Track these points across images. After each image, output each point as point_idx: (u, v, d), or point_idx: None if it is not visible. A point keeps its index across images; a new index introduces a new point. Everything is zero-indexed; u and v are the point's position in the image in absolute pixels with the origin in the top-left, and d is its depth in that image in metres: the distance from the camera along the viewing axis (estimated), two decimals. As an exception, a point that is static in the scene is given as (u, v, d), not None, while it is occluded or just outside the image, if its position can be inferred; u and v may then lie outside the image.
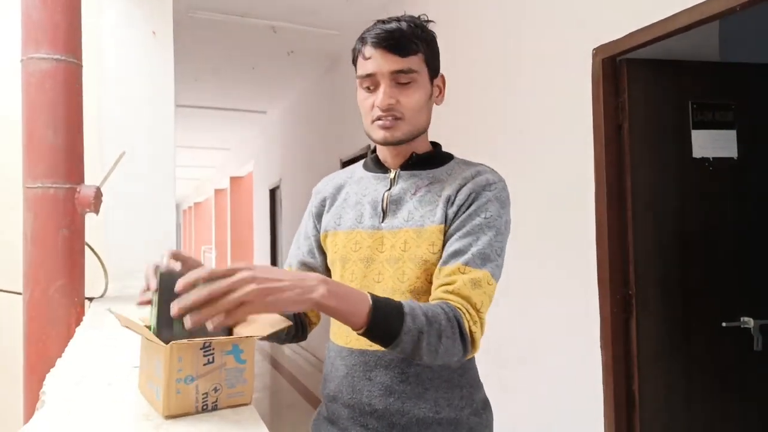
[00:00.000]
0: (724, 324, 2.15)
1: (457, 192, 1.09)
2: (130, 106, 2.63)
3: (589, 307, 2.24)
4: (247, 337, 0.72)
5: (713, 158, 2.22)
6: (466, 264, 1.00)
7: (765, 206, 2.26)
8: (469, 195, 1.07)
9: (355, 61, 1.14)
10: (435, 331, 0.91)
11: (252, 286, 0.72)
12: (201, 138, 9.98)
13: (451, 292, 0.98)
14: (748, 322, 2.14)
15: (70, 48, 1.44)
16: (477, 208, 1.05)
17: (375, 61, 1.07)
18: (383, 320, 0.88)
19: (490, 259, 1.02)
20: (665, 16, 1.90)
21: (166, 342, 0.67)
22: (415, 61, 1.09)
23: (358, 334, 0.89)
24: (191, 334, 0.71)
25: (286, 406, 5.02)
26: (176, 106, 2.87)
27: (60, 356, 1.01)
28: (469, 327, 0.97)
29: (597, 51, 2.21)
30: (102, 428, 0.65)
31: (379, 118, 1.09)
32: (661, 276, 2.16)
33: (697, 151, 2.21)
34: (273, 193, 8.51)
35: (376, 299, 0.88)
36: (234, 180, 13.04)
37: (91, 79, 2.16)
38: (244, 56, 5.37)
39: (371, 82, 1.09)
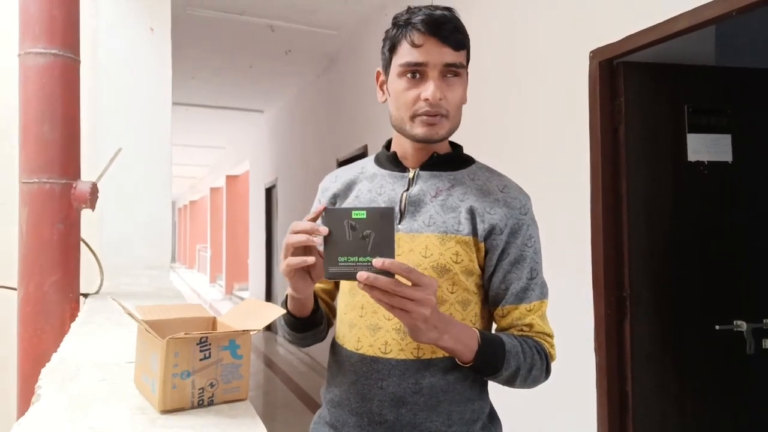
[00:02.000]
0: (717, 327, 2.16)
1: (488, 209, 1.06)
2: (127, 102, 2.63)
3: (583, 308, 2.24)
4: (244, 331, 0.72)
5: (708, 162, 2.24)
6: (531, 301, 1.07)
7: (758, 210, 2.27)
8: (507, 221, 1.06)
9: (393, 48, 1.05)
10: (528, 364, 1.02)
11: (427, 311, 0.86)
12: (197, 136, 9.97)
13: (530, 332, 1.07)
14: (741, 325, 2.15)
15: (68, 43, 1.44)
16: (523, 237, 1.07)
17: (427, 50, 0.99)
18: (490, 358, 0.99)
19: (544, 284, 1.11)
20: (663, 20, 1.91)
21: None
22: (464, 56, 1.04)
23: (462, 364, 1.00)
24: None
25: (280, 406, 5.01)
26: (173, 103, 2.86)
27: (55, 351, 1.01)
28: (551, 353, 1.08)
29: (594, 53, 2.22)
30: (98, 422, 0.65)
31: (424, 114, 1.02)
32: (655, 278, 2.17)
33: (692, 155, 2.22)
34: (269, 192, 8.50)
35: (483, 337, 0.99)
36: (230, 179, 13.03)
37: (88, 74, 2.16)
38: (242, 55, 5.36)
39: (418, 72, 1.01)
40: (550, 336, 1.09)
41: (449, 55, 1.01)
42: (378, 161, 1.18)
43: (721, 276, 2.22)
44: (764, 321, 2.15)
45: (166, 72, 2.72)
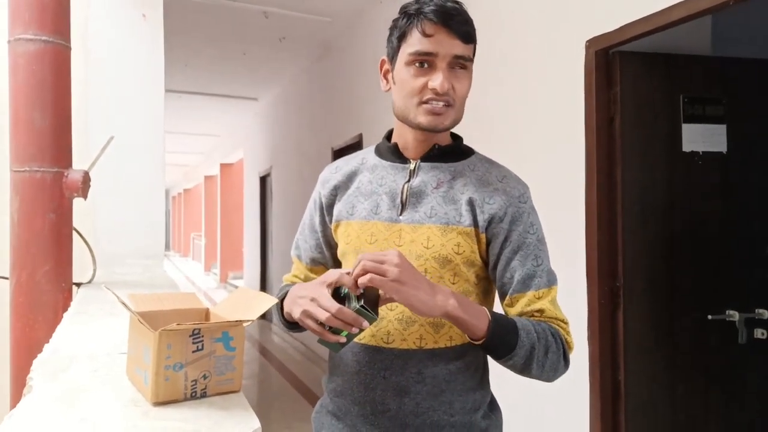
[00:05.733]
0: (709, 317, 2.17)
1: (487, 198, 1.06)
2: (119, 90, 2.60)
3: (576, 298, 2.25)
4: (237, 321, 0.72)
5: (703, 152, 2.24)
6: (539, 288, 1.05)
7: (752, 201, 2.28)
8: (507, 208, 1.06)
9: (403, 36, 1.04)
10: (543, 346, 0.99)
11: (395, 269, 0.88)
12: (191, 124, 9.90)
13: (542, 318, 1.04)
14: (734, 315, 2.16)
15: (59, 29, 1.42)
16: (524, 225, 1.06)
17: (438, 40, 1.00)
18: (503, 334, 0.96)
19: (552, 272, 1.08)
20: (659, 9, 1.90)
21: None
22: (472, 50, 1.05)
23: (476, 344, 0.97)
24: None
25: (275, 394, 5.03)
26: (166, 91, 2.84)
27: (47, 341, 1.01)
28: (566, 339, 1.05)
29: (590, 43, 2.21)
30: (90, 414, 0.65)
31: (428, 102, 1.03)
32: (648, 268, 2.18)
33: (687, 145, 2.22)
34: (263, 180, 8.47)
35: (493, 313, 0.97)
36: (224, 167, 12.97)
37: (80, 61, 2.13)
38: (236, 42, 5.31)
39: (427, 61, 1.01)
40: (565, 322, 1.06)
41: (459, 47, 1.01)
42: (379, 152, 1.18)
43: (714, 266, 2.23)
44: (756, 311, 2.16)
45: (158, 59, 2.70)
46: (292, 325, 1.10)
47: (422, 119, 1.04)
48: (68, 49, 1.46)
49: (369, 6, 4.26)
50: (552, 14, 2.45)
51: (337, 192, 1.17)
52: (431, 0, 1.01)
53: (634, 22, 2.00)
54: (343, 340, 0.91)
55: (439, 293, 0.92)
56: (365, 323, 0.89)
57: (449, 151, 1.13)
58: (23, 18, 1.37)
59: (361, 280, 0.89)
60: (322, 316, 0.89)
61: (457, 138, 1.18)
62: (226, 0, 4.27)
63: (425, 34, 1.00)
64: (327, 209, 1.19)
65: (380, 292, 0.94)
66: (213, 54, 5.73)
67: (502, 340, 0.96)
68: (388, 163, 1.14)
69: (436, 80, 1.01)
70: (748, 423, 2.27)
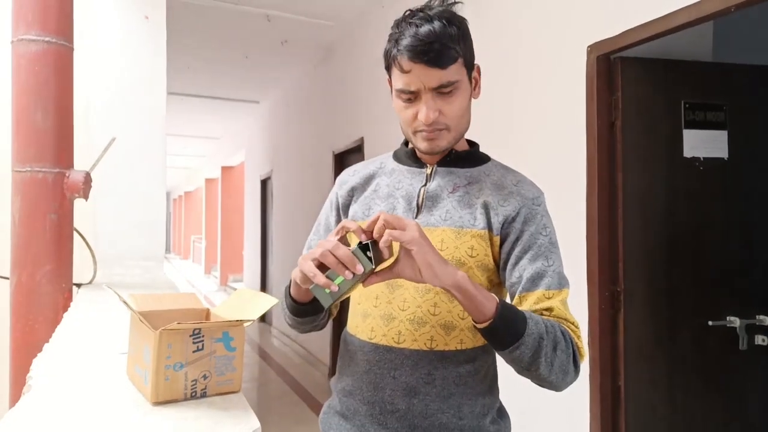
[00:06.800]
0: (710, 323, 2.17)
1: (502, 201, 1.08)
2: (121, 91, 2.61)
3: (577, 303, 2.25)
4: (237, 321, 0.72)
5: (704, 158, 2.24)
6: (549, 288, 1.03)
7: (753, 207, 2.28)
8: (520, 210, 1.07)
9: (389, 68, 1.07)
10: (551, 340, 0.95)
11: (414, 232, 0.88)
12: (192, 126, 9.91)
13: (550, 316, 1.02)
14: (734, 321, 2.16)
15: (61, 30, 1.42)
16: (537, 226, 1.07)
17: (415, 76, 1.00)
18: (510, 318, 0.92)
19: (563, 275, 1.06)
20: (661, 15, 1.91)
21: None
22: (456, 69, 1.02)
23: (480, 328, 0.93)
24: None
25: (274, 398, 5.02)
26: (168, 93, 2.84)
27: (47, 341, 1.00)
28: (577, 342, 1.01)
29: (592, 48, 2.21)
30: (89, 414, 0.65)
31: (421, 130, 1.05)
32: (649, 273, 2.18)
33: (688, 151, 2.22)
34: (264, 183, 8.47)
35: (501, 299, 0.94)
36: (225, 170, 12.98)
37: (82, 62, 2.14)
38: (238, 44, 5.33)
39: (411, 96, 1.04)
40: (575, 325, 1.03)
41: (436, 78, 1.00)
42: (396, 157, 1.21)
43: (715, 271, 2.23)
44: (757, 317, 2.15)
45: (160, 61, 2.70)
46: (297, 310, 1.09)
47: (420, 145, 1.08)
48: (70, 49, 1.47)
49: (371, 9, 4.27)
50: (554, 19, 2.46)
51: (353, 193, 1.20)
52: (411, 25, 1.00)
53: (635, 27, 2.00)
54: (335, 288, 0.88)
55: (450, 265, 0.91)
56: (359, 266, 0.88)
57: (465, 157, 1.15)
58: (26, 19, 1.37)
59: (382, 231, 0.89)
60: (318, 252, 0.89)
61: (474, 144, 1.21)
62: (228, 3, 4.28)
63: (403, 71, 1.01)
64: (343, 209, 1.21)
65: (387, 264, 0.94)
66: (215, 57, 5.74)
67: (510, 325, 0.92)
68: (406, 167, 1.17)
69: (421, 113, 1.03)
70: (749, 430, 2.26)
